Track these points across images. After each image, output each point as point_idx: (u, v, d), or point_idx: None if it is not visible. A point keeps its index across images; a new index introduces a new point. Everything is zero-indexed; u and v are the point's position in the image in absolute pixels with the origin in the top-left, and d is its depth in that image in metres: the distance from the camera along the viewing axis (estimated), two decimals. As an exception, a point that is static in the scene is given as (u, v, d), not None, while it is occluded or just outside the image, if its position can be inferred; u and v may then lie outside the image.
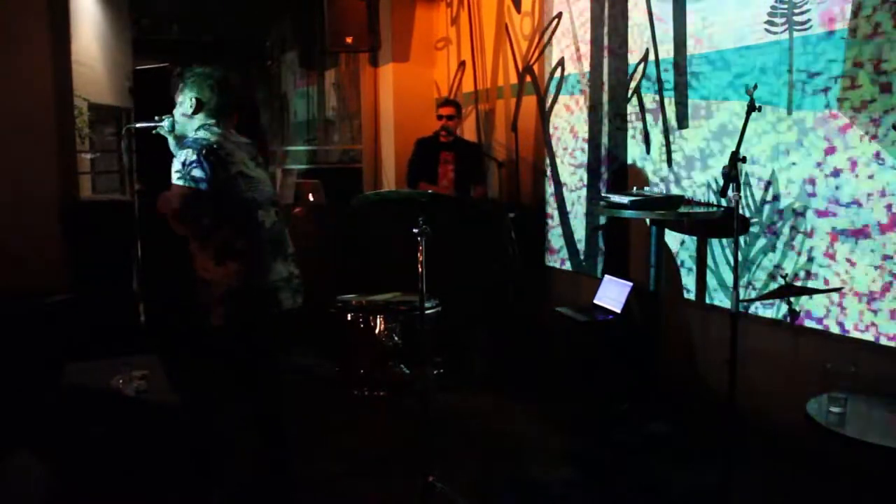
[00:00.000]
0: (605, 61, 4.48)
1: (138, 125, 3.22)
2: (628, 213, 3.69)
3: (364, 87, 6.87)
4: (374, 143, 6.77)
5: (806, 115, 3.25)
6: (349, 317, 3.61)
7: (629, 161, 4.32)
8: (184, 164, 2.78)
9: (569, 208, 4.93)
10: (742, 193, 3.44)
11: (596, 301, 4.27)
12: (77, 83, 5.45)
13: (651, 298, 3.84)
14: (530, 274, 5.30)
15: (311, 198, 5.85)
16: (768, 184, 3.45)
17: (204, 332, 2.91)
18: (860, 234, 3.05)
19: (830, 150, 3.16)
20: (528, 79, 5.28)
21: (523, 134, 5.39)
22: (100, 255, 5.01)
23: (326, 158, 8.54)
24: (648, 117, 4.16)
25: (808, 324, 3.26)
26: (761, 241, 3.49)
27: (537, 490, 3.17)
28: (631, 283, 4.05)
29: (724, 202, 3.57)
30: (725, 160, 2.69)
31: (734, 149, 2.69)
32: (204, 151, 2.79)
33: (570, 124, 4.84)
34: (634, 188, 4.25)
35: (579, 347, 4.09)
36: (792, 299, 2.84)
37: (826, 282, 3.20)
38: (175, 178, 2.79)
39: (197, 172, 2.76)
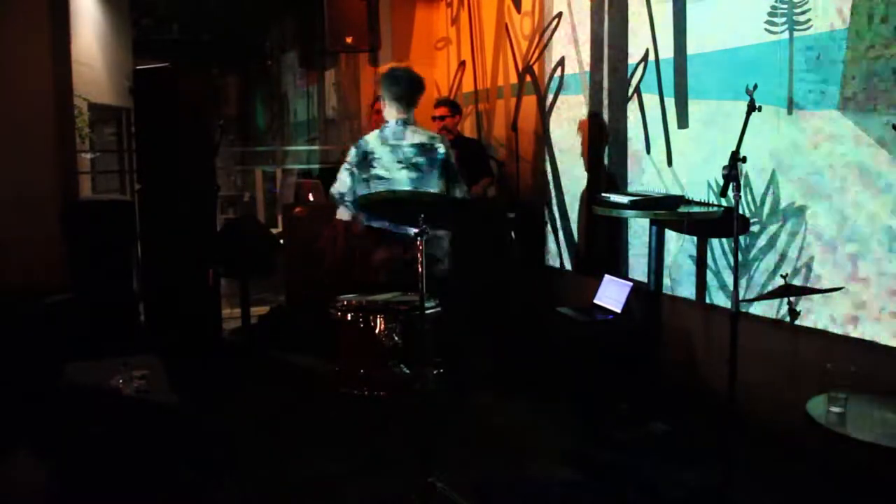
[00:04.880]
0: (605, 61, 4.48)
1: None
2: (628, 213, 3.69)
3: (364, 87, 6.88)
4: (374, 143, 6.77)
5: (806, 114, 3.25)
6: (349, 317, 3.62)
7: (629, 161, 4.32)
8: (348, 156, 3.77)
9: (569, 208, 4.93)
10: (742, 193, 3.44)
11: (596, 301, 4.27)
12: (77, 83, 5.46)
13: (651, 298, 3.84)
14: (530, 274, 5.30)
15: (311, 198, 5.84)
16: (768, 183, 3.45)
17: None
18: (860, 232, 3.05)
19: (831, 150, 3.16)
20: (528, 79, 5.28)
21: (523, 134, 5.39)
22: (100, 255, 5.02)
23: (326, 158, 8.54)
24: (648, 117, 4.16)
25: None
26: (761, 241, 3.49)
27: (537, 490, 3.17)
28: (631, 283, 4.05)
29: (724, 202, 3.58)
30: (725, 160, 2.69)
31: (734, 149, 2.69)
32: (360, 155, 3.71)
33: (570, 124, 4.84)
34: (634, 188, 4.26)
35: (579, 347, 4.09)
36: (792, 299, 2.84)
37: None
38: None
39: (355, 170, 3.73)
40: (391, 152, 3.70)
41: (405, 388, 3.50)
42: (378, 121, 5.05)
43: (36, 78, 4.97)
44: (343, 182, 3.79)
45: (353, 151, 3.77)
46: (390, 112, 3.76)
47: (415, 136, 3.74)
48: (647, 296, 3.88)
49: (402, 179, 3.68)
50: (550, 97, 5.03)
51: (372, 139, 3.73)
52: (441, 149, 3.75)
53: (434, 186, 3.71)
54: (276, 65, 11.75)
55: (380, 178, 3.70)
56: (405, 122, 3.75)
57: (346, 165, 3.80)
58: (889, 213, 2.94)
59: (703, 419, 3.60)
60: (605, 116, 4.50)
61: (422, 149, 3.72)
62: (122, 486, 2.91)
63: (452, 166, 3.80)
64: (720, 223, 3.64)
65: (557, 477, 3.27)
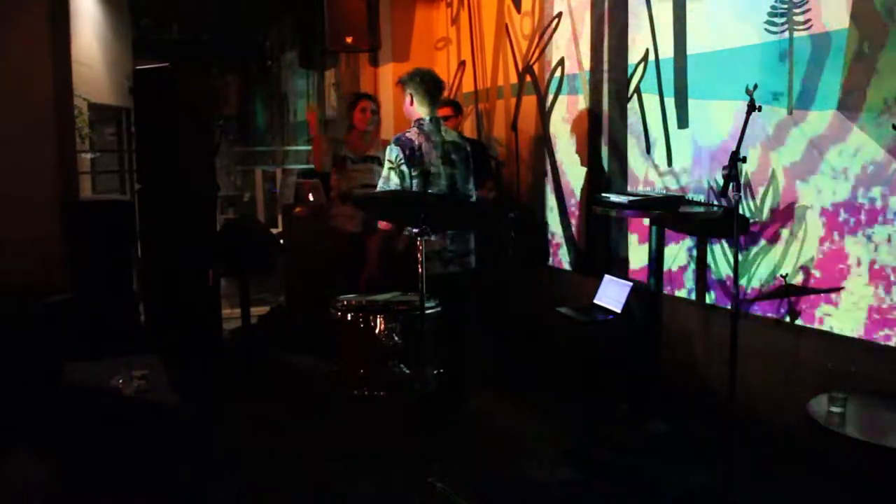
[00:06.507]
0: (605, 61, 4.48)
1: None
2: (628, 214, 3.69)
3: (364, 87, 6.87)
4: (374, 143, 6.76)
5: (806, 114, 3.25)
6: (349, 317, 3.62)
7: (629, 161, 4.32)
8: (395, 159, 3.62)
9: (569, 208, 4.93)
10: (742, 193, 3.44)
11: (596, 301, 4.26)
12: (77, 83, 5.45)
13: (651, 298, 3.84)
14: (530, 274, 5.30)
15: (311, 198, 5.84)
16: (768, 183, 3.45)
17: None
18: (858, 232, 3.05)
19: (830, 150, 3.16)
20: (528, 79, 5.28)
21: (523, 134, 5.39)
22: (100, 255, 5.02)
23: (326, 158, 8.53)
24: (648, 117, 4.15)
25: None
26: (761, 241, 3.49)
27: (537, 490, 3.17)
28: (631, 283, 4.05)
29: (724, 202, 3.57)
30: (725, 160, 2.69)
31: (734, 148, 2.69)
32: (407, 151, 3.61)
33: (570, 124, 4.84)
34: (634, 188, 4.26)
35: (579, 347, 4.09)
36: (792, 299, 2.84)
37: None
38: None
39: (404, 168, 3.61)
40: (434, 148, 3.72)
41: (405, 388, 3.50)
42: (363, 120, 5.12)
43: (36, 78, 4.97)
44: (394, 183, 3.63)
45: (395, 151, 3.63)
46: (422, 110, 3.77)
47: (447, 134, 3.83)
48: (647, 296, 3.88)
49: (446, 174, 3.74)
50: (550, 97, 5.03)
51: (414, 136, 3.70)
52: (467, 147, 3.90)
53: (468, 181, 3.84)
54: (276, 65, 11.74)
55: (430, 172, 3.68)
56: (437, 120, 3.81)
57: (389, 165, 3.64)
58: (890, 212, 2.94)
59: (703, 419, 3.59)
60: (605, 117, 4.50)
61: (455, 146, 3.83)
62: (123, 485, 2.90)
63: (472, 165, 3.95)
64: (720, 223, 3.63)
65: (557, 477, 3.27)
